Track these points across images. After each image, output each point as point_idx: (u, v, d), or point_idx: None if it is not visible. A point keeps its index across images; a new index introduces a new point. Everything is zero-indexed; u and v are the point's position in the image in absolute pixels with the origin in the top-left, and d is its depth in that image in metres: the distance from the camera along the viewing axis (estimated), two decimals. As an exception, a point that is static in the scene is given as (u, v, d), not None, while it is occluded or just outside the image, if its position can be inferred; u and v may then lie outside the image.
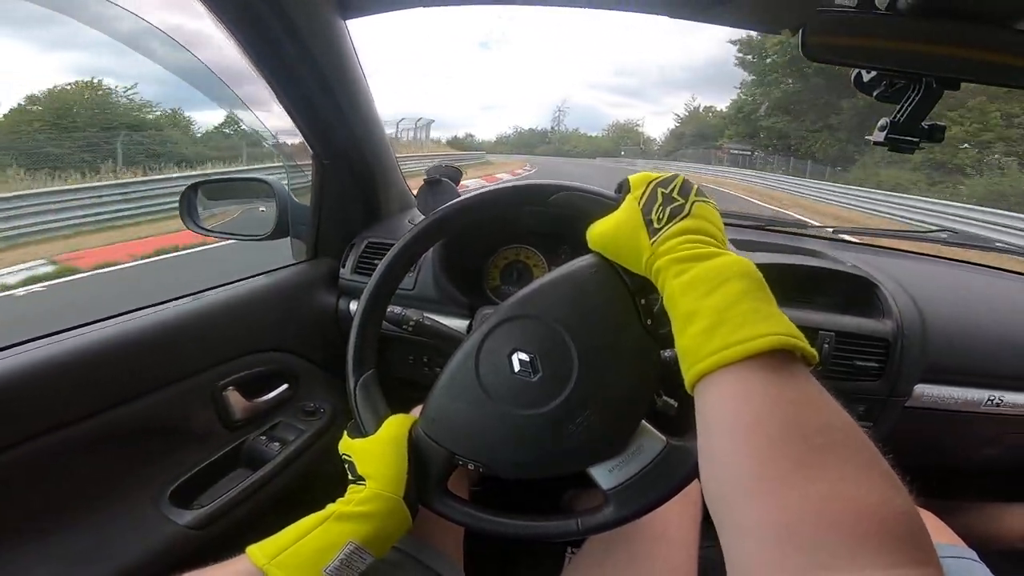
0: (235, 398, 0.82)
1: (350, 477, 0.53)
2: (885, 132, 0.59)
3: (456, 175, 0.68)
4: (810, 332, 0.86)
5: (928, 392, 0.90)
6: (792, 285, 0.93)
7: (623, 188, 0.51)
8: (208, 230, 1.05)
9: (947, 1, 0.49)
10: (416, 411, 0.57)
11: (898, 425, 0.91)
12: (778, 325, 0.37)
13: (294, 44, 0.76)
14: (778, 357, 0.36)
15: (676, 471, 0.50)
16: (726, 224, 0.49)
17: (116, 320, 0.71)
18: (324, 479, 0.89)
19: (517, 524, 0.54)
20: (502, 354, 0.52)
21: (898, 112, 0.58)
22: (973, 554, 0.77)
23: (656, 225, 0.46)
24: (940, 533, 0.82)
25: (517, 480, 0.55)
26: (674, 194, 0.47)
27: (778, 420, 0.33)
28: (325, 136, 0.97)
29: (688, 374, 0.39)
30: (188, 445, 0.76)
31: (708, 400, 0.38)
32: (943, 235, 1.22)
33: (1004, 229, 8.30)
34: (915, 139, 0.58)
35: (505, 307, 0.54)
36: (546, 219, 1.00)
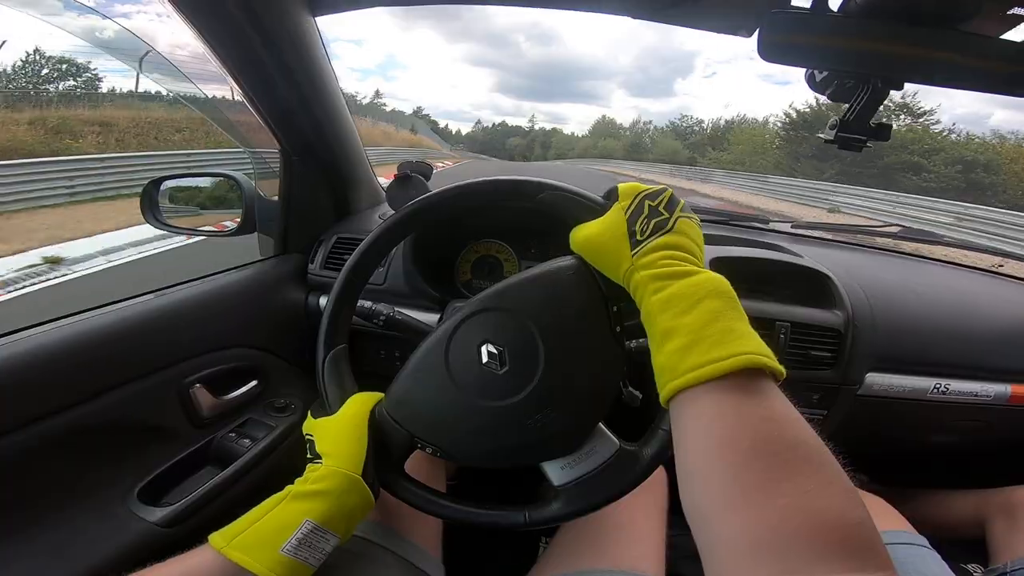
0: (203, 395, 0.81)
1: (308, 455, 0.54)
2: (835, 130, 0.62)
3: (428, 171, 0.68)
4: (767, 322, 0.89)
5: (879, 381, 0.94)
6: (753, 278, 0.97)
7: (611, 196, 0.52)
8: (171, 226, 1.03)
9: (898, 3, 0.51)
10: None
11: (851, 413, 0.95)
12: (749, 344, 0.39)
13: (262, 40, 0.75)
14: (750, 375, 0.38)
15: (624, 476, 0.52)
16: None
17: (80, 316, 0.69)
18: (295, 475, 0.88)
19: (467, 511, 0.55)
20: (472, 344, 0.53)
21: (848, 111, 0.61)
22: (924, 540, 0.80)
23: (639, 237, 0.47)
24: (891, 519, 0.85)
25: (483, 471, 0.56)
26: (660, 208, 0.48)
27: (749, 436, 0.35)
28: (293, 131, 0.95)
29: (664, 390, 0.41)
30: (156, 443, 0.75)
31: (684, 416, 0.40)
32: (894, 230, 1.28)
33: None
34: (863, 137, 0.61)
35: (481, 298, 0.55)
36: (519, 215, 1.01)
